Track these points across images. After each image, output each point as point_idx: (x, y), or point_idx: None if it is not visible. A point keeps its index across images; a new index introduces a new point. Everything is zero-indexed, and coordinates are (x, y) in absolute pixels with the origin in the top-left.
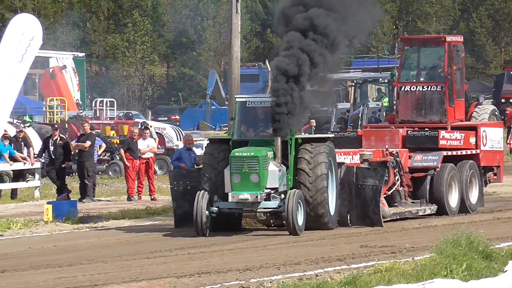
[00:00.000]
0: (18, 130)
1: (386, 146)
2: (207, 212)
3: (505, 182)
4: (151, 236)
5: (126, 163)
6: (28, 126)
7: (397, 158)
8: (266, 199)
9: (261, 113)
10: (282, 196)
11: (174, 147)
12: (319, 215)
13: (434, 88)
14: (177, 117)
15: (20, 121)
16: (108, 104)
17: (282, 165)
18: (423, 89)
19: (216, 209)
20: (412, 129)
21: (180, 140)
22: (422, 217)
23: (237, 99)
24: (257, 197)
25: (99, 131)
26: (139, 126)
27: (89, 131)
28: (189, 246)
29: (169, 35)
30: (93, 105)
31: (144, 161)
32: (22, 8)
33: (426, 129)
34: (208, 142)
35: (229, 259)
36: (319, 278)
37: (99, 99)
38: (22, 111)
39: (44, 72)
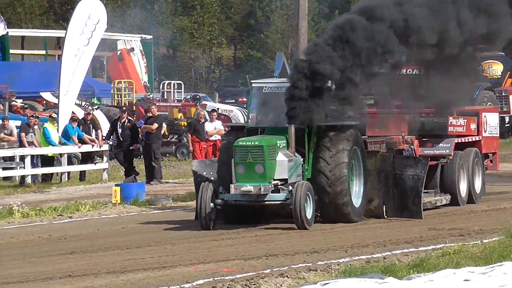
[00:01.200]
0: (86, 112)
1: (403, 134)
2: (211, 204)
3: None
4: None
5: (191, 145)
6: (96, 109)
7: (412, 146)
8: (274, 191)
9: (279, 100)
10: (290, 187)
11: None
12: (339, 205)
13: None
14: (244, 99)
15: (88, 104)
16: (176, 87)
17: (297, 155)
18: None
19: (221, 201)
20: (419, 115)
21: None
22: (438, 207)
23: (253, 84)
24: (260, 188)
25: (167, 113)
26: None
27: (156, 113)
28: (256, 229)
29: (236, 17)
30: (161, 87)
31: (212, 144)
32: None
33: (431, 114)
34: (228, 129)
35: (296, 241)
36: (386, 261)
37: (167, 82)
38: (90, 94)
39: (112, 54)
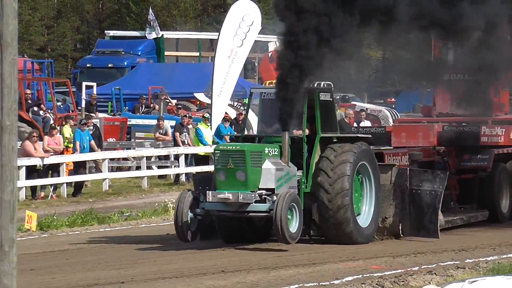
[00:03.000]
0: (238, 112)
1: (434, 145)
2: (190, 214)
3: None
4: None
5: None
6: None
7: (445, 158)
8: (258, 201)
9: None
10: (275, 198)
11: None
12: (340, 222)
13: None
14: (393, 99)
15: (240, 104)
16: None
17: (292, 165)
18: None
19: (200, 210)
20: (449, 124)
21: None
22: (473, 224)
23: (252, 90)
24: (239, 197)
25: None
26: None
27: None
28: None
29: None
30: None
31: None
32: None
33: (464, 124)
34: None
35: (444, 240)
36: None
37: (316, 82)
38: (242, 94)
39: (264, 56)
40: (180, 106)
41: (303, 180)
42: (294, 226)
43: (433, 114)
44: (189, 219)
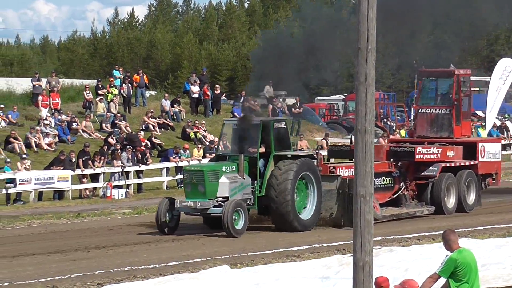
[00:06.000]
0: None
1: (391, 160)
2: (170, 214)
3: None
4: None
5: None
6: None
7: (401, 169)
8: (216, 206)
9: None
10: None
11: None
12: (284, 213)
13: (444, 110)
14: None
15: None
16: None
17: (247, 177)
18: (436, 111)
19: (175, 212)
20: (394, 145)
21: None
22: (420, 217)
23: (224, 122)
24: (198, 204)
25: None
26: None
27: None
28: None
29: None
30: None
31: None
32: None
33: (405, 144)
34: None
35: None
36: None
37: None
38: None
39: None
40: None
41: (257, 187)
42: (240, 224)
43: (414, 136)
44: (167, 218)
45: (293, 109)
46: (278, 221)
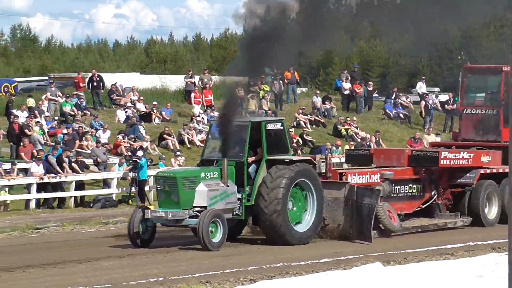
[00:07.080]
0: None
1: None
2: (140, 225)
3: None
4: None
5: None
6: None
7: (432, 176)
8: (193, 216)
9: (235, 133)
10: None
11: None
12: (275, 225)
13: (491, 111)
14: None
15: None
16: None
17: (231, 184)
18: (482, 112)
19: (149, 222)
20: (416, 149)
21: None
22: (453, 228)
23: (211, 122)
24: (169, 214)
25: None
26: None
27: None
28: None
29: None
30: None
31: None
32: None
33: (428, 149)
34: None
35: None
36: None
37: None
38: None
39: None
40: None
41: (244, 195)
42: (218, 237)
43: (459, 139)
44: (141, 229)
45: (446, 105)
46: (268, 233)
